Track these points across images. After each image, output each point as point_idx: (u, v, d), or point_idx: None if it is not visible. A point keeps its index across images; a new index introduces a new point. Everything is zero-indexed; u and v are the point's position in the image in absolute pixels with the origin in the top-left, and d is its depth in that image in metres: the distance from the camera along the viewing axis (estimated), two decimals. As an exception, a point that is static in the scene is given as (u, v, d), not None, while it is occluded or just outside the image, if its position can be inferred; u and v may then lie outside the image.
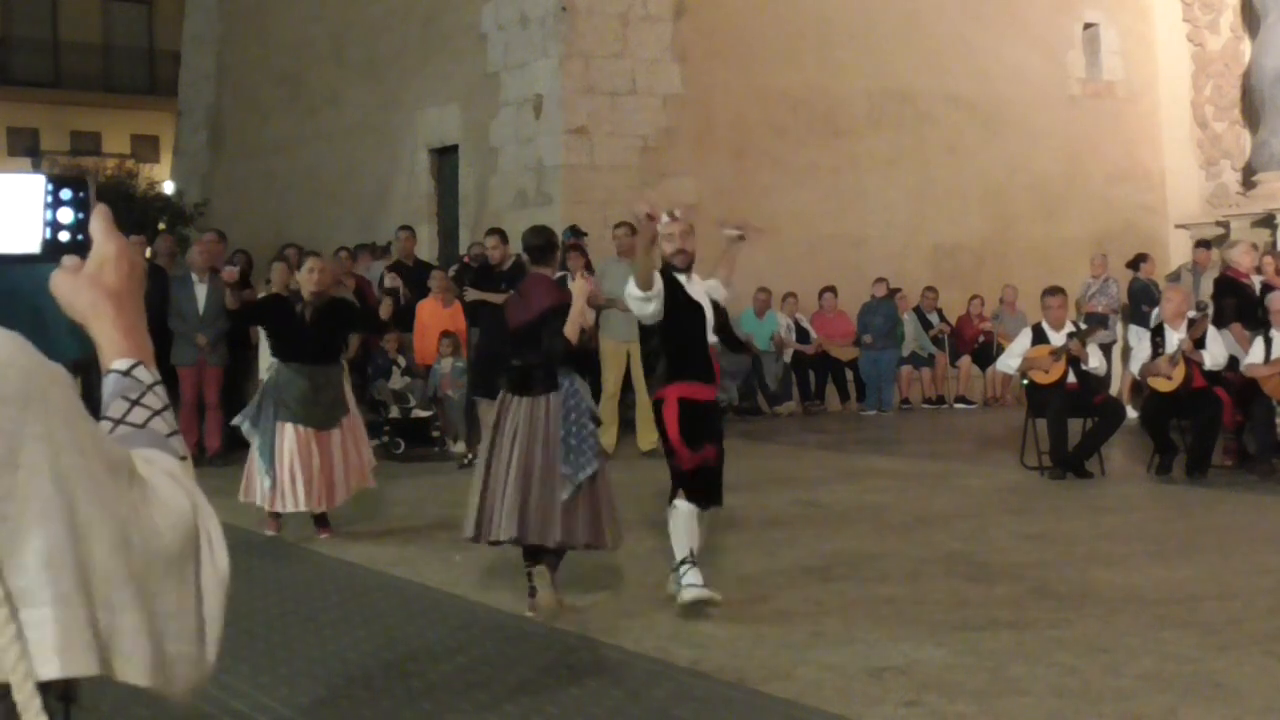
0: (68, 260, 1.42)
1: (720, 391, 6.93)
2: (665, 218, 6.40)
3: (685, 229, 6.52)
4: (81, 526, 1.15)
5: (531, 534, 6.12)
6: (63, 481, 1.15)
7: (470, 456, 10.93)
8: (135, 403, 1.37)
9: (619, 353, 11.95)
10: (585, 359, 6.94)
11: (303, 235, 16.19)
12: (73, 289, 1.41)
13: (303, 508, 8.12)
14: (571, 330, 6.17)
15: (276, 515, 8.25)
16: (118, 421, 1.36)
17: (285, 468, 8.04)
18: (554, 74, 15.77)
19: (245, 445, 12.58)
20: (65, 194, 1.45)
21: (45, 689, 1.14)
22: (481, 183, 16.79)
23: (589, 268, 13.09)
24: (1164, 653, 5.42)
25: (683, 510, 6.30)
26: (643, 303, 6.23)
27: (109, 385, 1.39)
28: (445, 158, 17.80)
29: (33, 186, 1.45)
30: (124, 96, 32.28)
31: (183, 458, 1.36)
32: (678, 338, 6.37)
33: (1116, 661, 5.32)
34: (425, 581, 6.76)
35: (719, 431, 6.51)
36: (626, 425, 12.43)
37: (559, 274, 13.59)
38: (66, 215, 1.45)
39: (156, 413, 1.38)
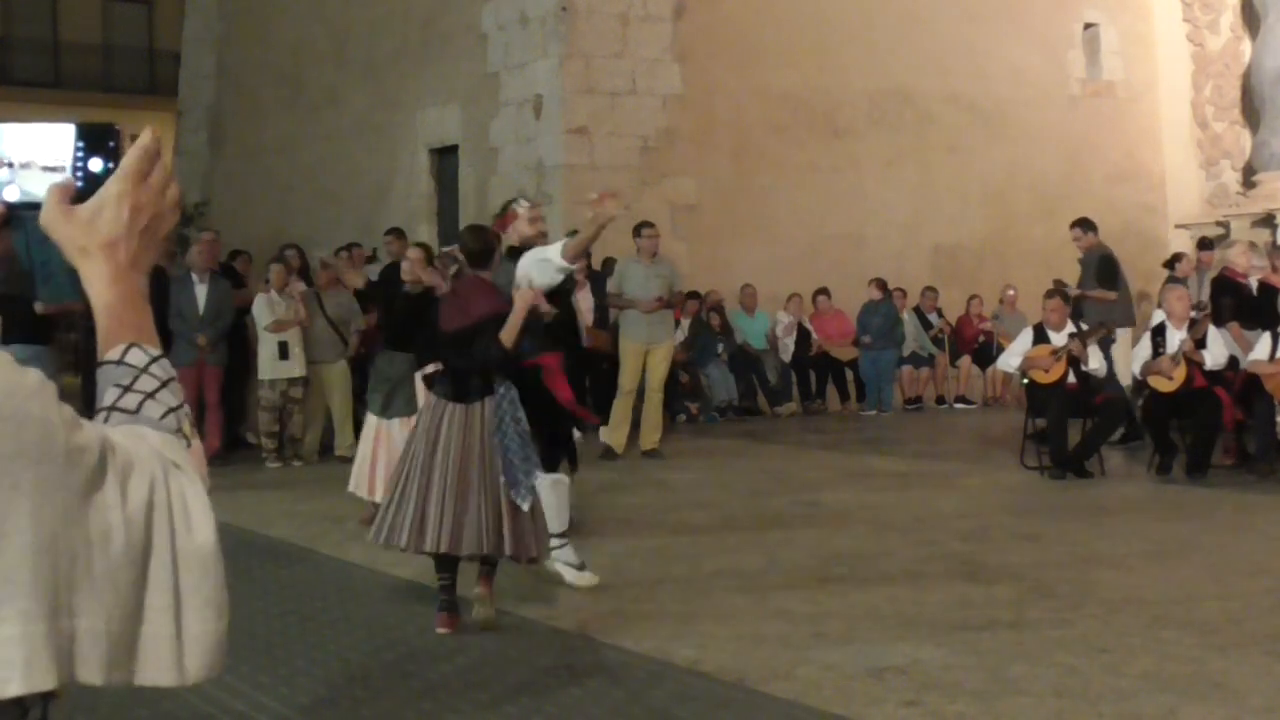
0: (56, 183, 1.31)
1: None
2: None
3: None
4: (47, 538, 1.13)
5: (468, 545, 5.84)
6: (32, 494, 1.13)
7: None
8: (127, 389, 1.30)
9: (638, 353, 11.97)
10: (590, 363, 7.09)
11: (303, 235, 16.18)
12: (62, 231, 1.30)
13: None
14: (508, 337, 5.91)
15: None
16: (110, 408, 1.29)
17: None
18: (554, 74, 15.77)
19: (245, 445, 12.68)
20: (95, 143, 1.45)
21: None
22: (481, 183, 16.78)
23: (589, 268, 13.10)
24: (1164, 653, 5.42)
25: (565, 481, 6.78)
26: (556, 273, 6.53)
27: (101, 376, 1.31)
28: (445, 158, 17.79)
29: (63, 136, 1.43)
30: (124, 96, 32.25)
31: (175, 431, 1.29)
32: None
33: (1116, 661, 5.31)
34: (425, 581, 6.74)
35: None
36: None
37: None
38: (97, 164, 1.44)
39: (149, 395, 1.30)
